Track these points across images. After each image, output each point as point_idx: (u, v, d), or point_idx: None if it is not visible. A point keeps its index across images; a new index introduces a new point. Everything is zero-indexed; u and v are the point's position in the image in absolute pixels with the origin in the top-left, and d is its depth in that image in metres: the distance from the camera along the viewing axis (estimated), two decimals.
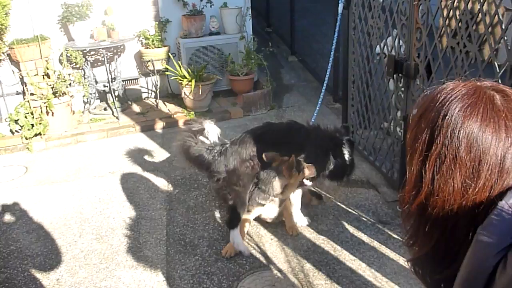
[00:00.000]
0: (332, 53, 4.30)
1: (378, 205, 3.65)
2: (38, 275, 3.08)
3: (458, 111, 0.90)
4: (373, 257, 3.06)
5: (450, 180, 0.90)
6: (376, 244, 3.19)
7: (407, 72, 3.36)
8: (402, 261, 2.99)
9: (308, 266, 3.01)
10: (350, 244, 3.20)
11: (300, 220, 3.43)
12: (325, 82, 4.26)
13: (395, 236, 3.25)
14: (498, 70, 2.50)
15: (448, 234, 0.93)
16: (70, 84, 5.45)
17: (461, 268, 0.89)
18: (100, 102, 5.99)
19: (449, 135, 0.90)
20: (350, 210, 3.61)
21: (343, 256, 3.08)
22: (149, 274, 3.02)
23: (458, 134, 0.89)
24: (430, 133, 0.93)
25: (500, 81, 2.16)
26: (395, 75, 3.54)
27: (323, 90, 4.03)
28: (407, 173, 0.99)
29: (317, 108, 3.92)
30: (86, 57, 5.64)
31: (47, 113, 5.18)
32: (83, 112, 5.84)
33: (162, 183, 4.21)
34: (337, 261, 3.04)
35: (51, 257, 3.25)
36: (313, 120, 3.67)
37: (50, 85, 5.20)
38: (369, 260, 3.04)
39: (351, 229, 3.37)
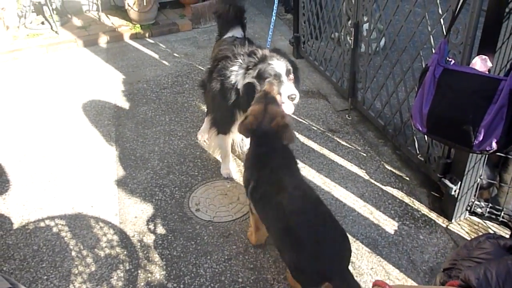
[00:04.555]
0: None
1: (328, 114, 3.69)
2: None
3: None
4: (322, 163, 3.14)
5: None
6: (325, 151, 3.26)
7: None
8: (349, 166, 3.09)
9: None
10: (301, 152, 3.26)
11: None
12: None
13: (343, 143, 3.33)
14: None
15: None
16: None
17: None
18: (37, 15, 5.54)
19: None
20: (300, 120, 3.63)
21: None
22: (100, 189, 2.98)
23: None
24: None
25: None
26: None
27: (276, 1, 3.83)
28: None
29: (273, 21, 3.70)
30: None
31: None
32: (18, 27, 5.39)
33: (109, 99, 4.06)
34: None
35: None
36: (270, 33, 3.45)
37: None
38: (318, 166, 3.12)
39: (301, 138, 3.41)
